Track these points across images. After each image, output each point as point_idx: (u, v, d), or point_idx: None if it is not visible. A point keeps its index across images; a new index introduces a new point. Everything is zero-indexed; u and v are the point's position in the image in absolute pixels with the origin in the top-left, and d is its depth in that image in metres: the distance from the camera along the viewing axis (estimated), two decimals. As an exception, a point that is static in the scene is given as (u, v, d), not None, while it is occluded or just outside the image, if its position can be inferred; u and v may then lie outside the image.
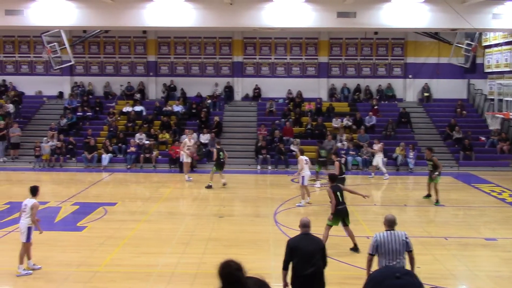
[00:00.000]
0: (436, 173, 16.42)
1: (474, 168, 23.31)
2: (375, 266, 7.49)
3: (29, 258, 10.28)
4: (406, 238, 7.49)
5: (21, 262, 10.11)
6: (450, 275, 10.24)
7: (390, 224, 7.64)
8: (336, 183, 11.75)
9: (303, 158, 16.30)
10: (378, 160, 21.62)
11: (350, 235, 11.38)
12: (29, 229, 10.09)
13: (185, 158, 20.91)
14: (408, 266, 7.50)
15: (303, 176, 15.96)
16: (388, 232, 7.52)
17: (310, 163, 16.71)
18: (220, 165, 19.08)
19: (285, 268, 7.15)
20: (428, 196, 17.12)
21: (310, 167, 16.69)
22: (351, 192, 12.15)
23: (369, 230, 13.30)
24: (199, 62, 29.70)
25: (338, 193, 11.33)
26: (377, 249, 7.44)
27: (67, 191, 18.18)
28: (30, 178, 21.57)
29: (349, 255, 11.14)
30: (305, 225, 7.36)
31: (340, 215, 11.24)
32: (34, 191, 10.37)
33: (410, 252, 7.51)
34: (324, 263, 7.11)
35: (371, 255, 7.56)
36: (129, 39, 29.59)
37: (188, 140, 21.22)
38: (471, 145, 24.17)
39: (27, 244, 10.16)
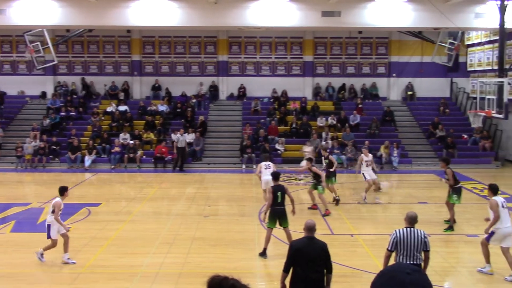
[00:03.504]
0: (455, 196, 13.20)
1: (456, 166, 23.34)
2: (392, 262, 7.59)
3: (65, 251, 10.49)
4: (425, 237, 7.54)
5: (65, 251, 10.50)
6: (433, 271, 10.32)
7: (411, 221, 7.69)
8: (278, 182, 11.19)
9: (262, 164, 15.20)
10: (371, 173, 16.91)
11: (288, 237, 10.71)
12: (48, 226, 10.36)
13: None
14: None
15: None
16: (408, 229, 7.57)
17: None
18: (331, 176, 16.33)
19: (286, 270, 6.96)
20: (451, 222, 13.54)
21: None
22: (290, 198, 11.09)
23: (353, 228, 13.40)
24: (184, 61, 29.61)
25: (279, 193, 10.83)
26: (396, 245, 7.48)
27: (50, 192, 17.88)
28: (12, 179, 21.37)
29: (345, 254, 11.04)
30: (310, 229, 7.06)
31: (275, 215, 10.81)
32: (60, 191, 10.67)
33: (427, 251, 7.58)
34: (328, 269, 6.92)
35: (390, 251, 7.59)
36: (113, 39, 29.38)
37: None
38: (454, 143, 24.41)
39: (49, 241, 10.37)
